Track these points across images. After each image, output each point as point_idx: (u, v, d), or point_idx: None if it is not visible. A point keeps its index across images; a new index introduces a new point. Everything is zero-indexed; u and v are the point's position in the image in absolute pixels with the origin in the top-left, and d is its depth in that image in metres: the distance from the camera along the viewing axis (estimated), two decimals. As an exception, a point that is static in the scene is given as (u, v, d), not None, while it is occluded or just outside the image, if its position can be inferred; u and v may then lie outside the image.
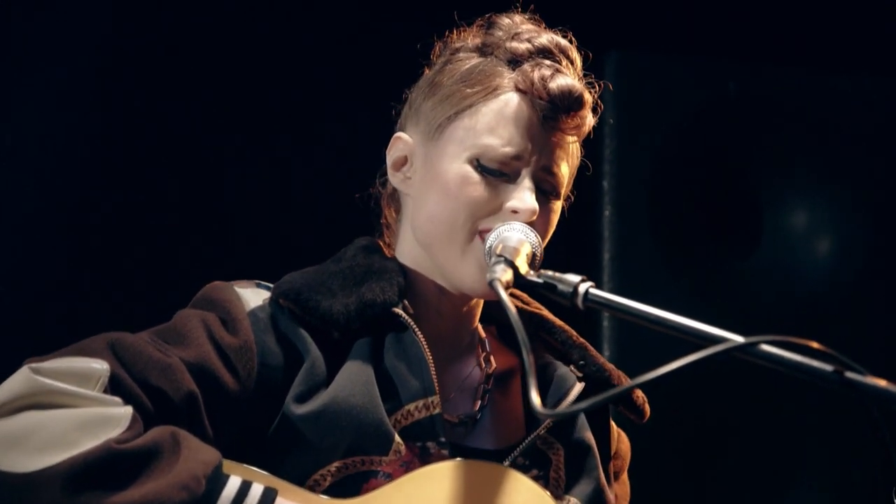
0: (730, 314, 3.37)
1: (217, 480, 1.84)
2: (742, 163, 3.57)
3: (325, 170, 3.39)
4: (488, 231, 2.05)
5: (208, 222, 3.35)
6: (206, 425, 1.96)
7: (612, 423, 2.30)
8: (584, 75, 2.16)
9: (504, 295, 1.86)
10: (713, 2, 3.74)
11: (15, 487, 1.78)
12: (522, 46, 2.12)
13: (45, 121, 3.23)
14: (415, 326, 2.07)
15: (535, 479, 2.08)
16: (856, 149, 3.58)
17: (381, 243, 2.22)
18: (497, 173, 2.08)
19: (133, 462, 1.81)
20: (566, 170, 2.13)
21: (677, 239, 3.49)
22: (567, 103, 2.08)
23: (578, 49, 2.17)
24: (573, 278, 1.87)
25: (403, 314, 2.08)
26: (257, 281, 2.13)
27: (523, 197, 2.06)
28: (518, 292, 2.22)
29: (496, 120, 2.09)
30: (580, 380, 2.19)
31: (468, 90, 2.11)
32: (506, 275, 1.91)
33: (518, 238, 2.00)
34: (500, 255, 1.95)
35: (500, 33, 2.16)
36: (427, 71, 2.23)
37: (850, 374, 1.64)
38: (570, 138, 2.13)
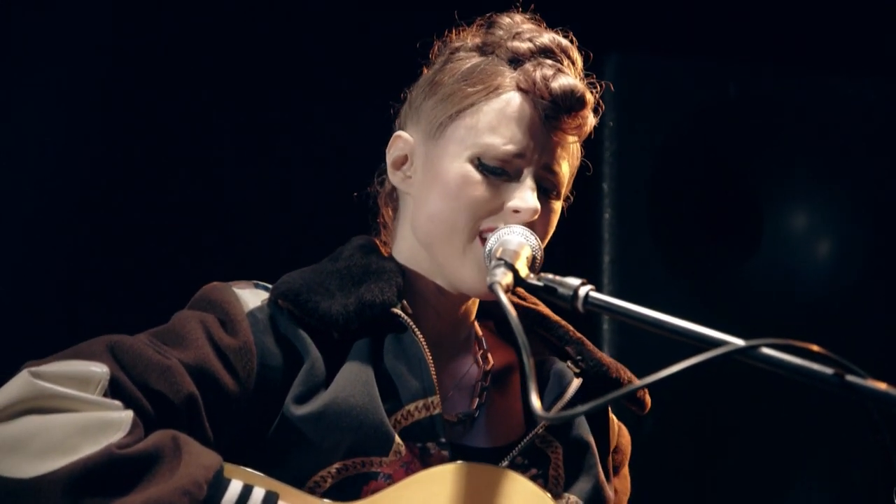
0: (730, 317, 3.38)
1: (218, 485, 1.84)
2: (742, 164, 3.57)
3: (324, 169, 3.39)
4: (489, 231, 2.05)
5: (206, 222, 3.34)
6: (207, 427, 1.96)
7: (613, 417, 2.30)
8: (586, 75, 2.16)
9: (504, 299, 1.86)
10: (713, 3, 3.74)
11: (15, 493, 1.78)
12: (524, 46, 2.12)
13: (45, 121, 3.22)
14: (414, 326, 2.07)
15: (534, 477, 2.08)
16: (856, 150, 3.58)
17: (378, 242, 2.22)
18: (498, 172, 2.08)
19: (134, 467, 1.81)
20: (567, 169, 2.13)
21: (677, 241, 3.49)
22: (569, 103, 2.09)
23: (579, 49, 2.17)
24: (573, 281, 1.86)
25: (402, 314, 2.08)
26: (255, 281, 2.13)
27: (525, 196, 2.07)
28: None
29: (498, 119, 2.09)
30: (578, 375, 2.18)
31: (469, 89, 2.11)
32: (506, 278, 1.91)
33: (518, 241, 2.00)
34: (500, 259, 1.95)
35: (501, 32, 2.16)
36: (426, 70, 2.23)
37: (850, 378, 1.63)
38: (571, 138, 2.13)
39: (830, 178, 3.58)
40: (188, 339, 1.98)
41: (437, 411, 2.04)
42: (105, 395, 1.88)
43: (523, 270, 1.94)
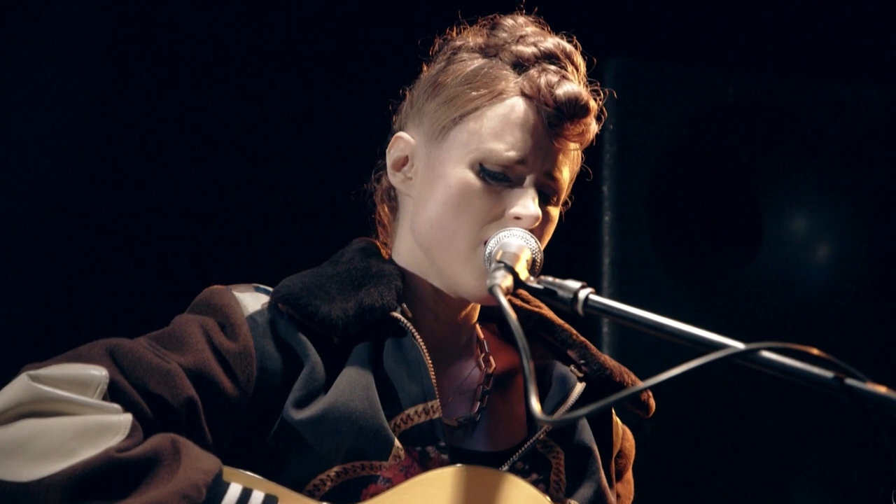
0: (729, 320, 3.38)
1: (217, 489, 1.84)
2: (741, 168, 3.57)
3: (324, 171, 3.39)
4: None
5: (208, 225, 3.34)
6: (206, 431, 1.96)
7: (617, 420, 2.29)
8: (589, 82, 2.15)
9: (504, 302, 1.85)
10: (712, 9, 3.74)
11: (14, 497, 1.77)
12: (528, 50, 2.12)
13: (45, 124, 3.22)
14: (414, 330, 2.07)
15: (535, 482, 2.07)
16: (855, 155, 3.58)
17: (379, 244, 2.22)
18: (500, 178, 2.07)
19: (133, 471, 1.81)
20: (567, 175, 2.13)
21: (677, 244, 3.49)
22: (572, 110, 2.08)
23: (581, 54, 2.16)
24: (573, 284, 1.86)
25: (402, 318, 2.07)
26: (256, 284, 2.13)
27: (526, 203, 2.06)
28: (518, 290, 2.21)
29: (502, 124, 2.08)
30: (581, 380, 2.18)
31: (473, 93, 2.10)
32: (506, 281, 1.91)
33: (518, 244, 1.99)
34: (499, 262, 1.95)
35: (505, 35, 2.15)
36: (426, 68, 2.22)
37: (850, 381, 1.64)
38: (573, 145, 2.12)
39: (829, 182, 3.58)
40: (188, 343, 1.98)
41: (436, 415, 2.03)
42: (104, 398, 1.87)
43: (523, 273, 1.94)
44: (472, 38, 2.18)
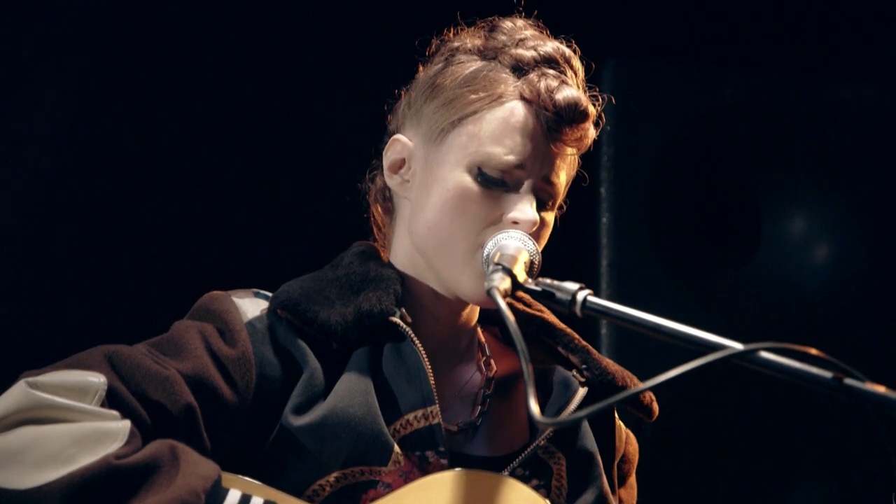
0: (728, 320, 3.37)
1: (216, 494, 1.84)
2: (740, 170, 3.57)
3: (324, 174, 3.39)
4: (489, 242, 2.05)
5: (207, 230, 3.34)
6: (205, 438, 1.95)
7: (621, 425, 2.28)
8: (588, 87, 2.15)
9: (502, 304, 1.85)
10: (711, 9, 3.74)
11: (12, 504, 1.78)
12: (528, 54, 2.11)
13: (45, 126, 3.22)
14: (413, 335, 2.07)
15: (537, 488, 2.06)
16: (854, 156, 3.58)
17: (378, 247, 2.21)
18: (498, 182, 2.07)
19: (132, 477, 1.80)
20: (564, 180, 2.13)
21: (675, 245, 3.49)
22: (572, 115, 2.08)
23: (580, 58, 2.16)
24: (571, 286, 1.86)
25: (401, 323, 2.07)
26: (255, 290, 2.13)
27: (524, 208, 2.06)
28: (520, 294, 2.20)
29: (501, 129, 2.08)
30: (583, 385, 2.17)
31: (472, 96, 2.10)
32: (503, 283, 1.90)
33: (516, 246, 1.99)
34: (497, 264, 1.94)
35: (504, 38, 2.14)
36: (422, 68, 2.21)
37: (849, 381, 1.64)
38: (571, 150, 2.12)
39: (828, 183, 3.58)
40: (187, 350, 1.98)
41: (436, 420, 2.03)
42: (103, 405, 1.87)
43: (521, 275, 1.93)
44: (471, 39, 2.18)
